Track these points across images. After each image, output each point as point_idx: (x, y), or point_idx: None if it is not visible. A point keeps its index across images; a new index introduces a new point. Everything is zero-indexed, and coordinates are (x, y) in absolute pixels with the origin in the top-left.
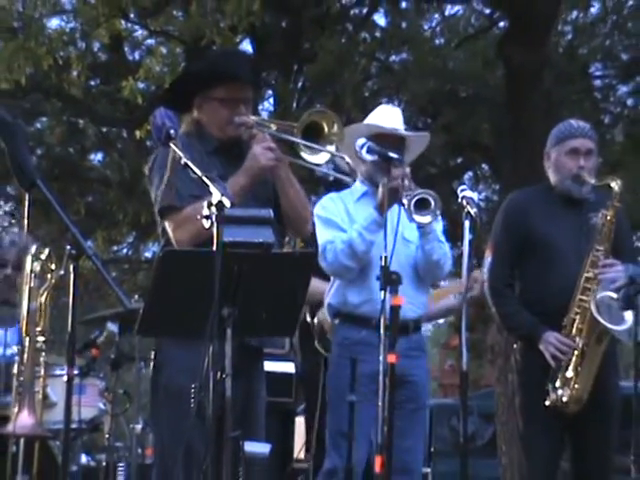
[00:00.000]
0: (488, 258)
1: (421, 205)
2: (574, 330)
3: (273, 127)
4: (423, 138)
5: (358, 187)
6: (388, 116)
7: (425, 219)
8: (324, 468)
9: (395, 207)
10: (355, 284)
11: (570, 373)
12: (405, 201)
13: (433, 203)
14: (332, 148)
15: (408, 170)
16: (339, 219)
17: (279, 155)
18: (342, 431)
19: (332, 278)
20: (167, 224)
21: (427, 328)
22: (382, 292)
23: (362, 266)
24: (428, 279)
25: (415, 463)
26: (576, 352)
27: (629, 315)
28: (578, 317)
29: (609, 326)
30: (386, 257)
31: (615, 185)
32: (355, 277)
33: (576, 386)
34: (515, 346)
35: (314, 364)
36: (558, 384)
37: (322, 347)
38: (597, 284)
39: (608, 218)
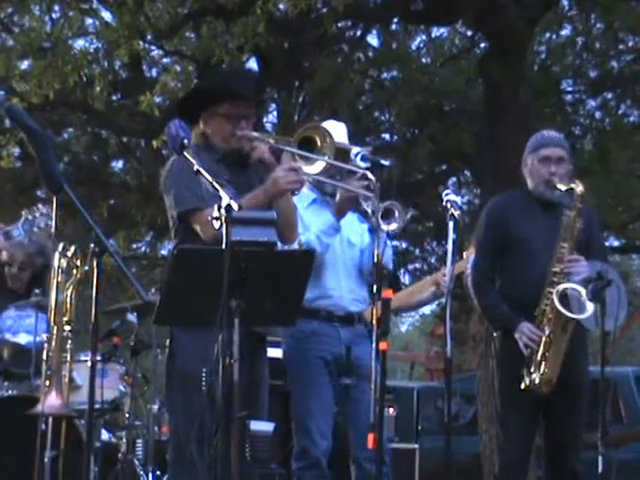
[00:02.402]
0: (471, 255)
1: (386, 214)
2: (544, 320)
3: (271, 141)
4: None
5: (306, 193)
6: (335, 130)
7: (392, 227)
8: (295, 451)
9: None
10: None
11: (540, 358)
12: (369, 210)
13: (397, 212)
14: (325, 158)
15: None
16: None
17: (301, 176)
18: (305, 415)
19: None
20: (194, 224)
21: (415, 319)
22: (373, 287)
23: (316, 266)
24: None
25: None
26: (544, 339)
27: (590, 304)
28: (547, 308)
29: (569, 315)
30: (378, 254)
31: (577, 188)
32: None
33: (545, 370)
34: (495, 335)
35: None
36: (532, 369)
37: None
38: (563, 278)
39: (571, 217)
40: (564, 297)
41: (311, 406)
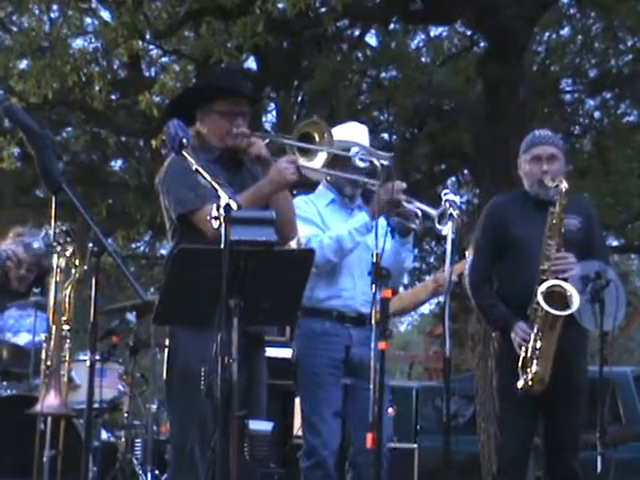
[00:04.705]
0: (470, 256)
1: (441, 218)
2: (536, 318)
3: (267, 140)
4: (389, 158)
5: (323, 192)
6: (357, 133)
7: (447, 228)
8: (303, 449)
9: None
10: (322, 281)
11: (530, 357)
12: (419, 212)
13: (451, 211)
14: (324, 154)
15: (404, 185)
16: (315, 218)
17: (298, 169)
18: (314, 414)
19: None
20: (198, 224)
21: (414, 318)
22: (373, 286)
23: (333, 266)
24: (391, 281)
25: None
26: (533, 337)
27: (577, 299)
28: (538, 306)
29: (553, 312)
30: (377, 254)
31: (561, 185)
32: (323, 273)
33: (537, 368)
34: (493, 335)
35: None
36: (526, 369)
37: None
38: (551, 275)
39: (556, 214)
40: (555, 294)
41: (321, 406)
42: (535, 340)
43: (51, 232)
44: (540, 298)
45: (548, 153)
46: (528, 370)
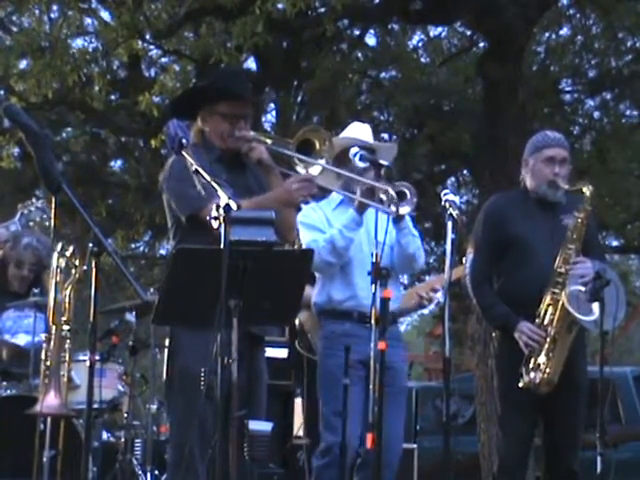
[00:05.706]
0: (470, 255)
1: (399, 197)
2: (546, 320)
3: (268, 141)
4: (391, 148)
5: (335, 197)
6: (360, 131)
7: (405, 209)
8: (320, 447)
9: (372, 213)
10: (338, 283)
11: (543, 359)
12: (383, 197)
13: (409, 194)
14: (323, 162)
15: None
16: (320, 225)
17: (314, 188)
18: (334, 413)
19: (317, 280)
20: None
21: (414, 318)
22: (373, 286)
23: (343, 263)
24: (404, 272)
25: (396, 440)
26: (548, 340)
27: (596, 307)
28: (550, 308)
29: (579, 317)
30: (377, 254)
31: (587, 190)
32: (337, 275)
33: (548, 370)
34: (494, 335)
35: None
36: (531, 368)
37: (301, 347)
38: (568, 279)
39: (580, 220)
40: (568, 298)
41: (340, 406)
42: (549, 342)
43: (26, 212)
44: (566, 301)
45: (562, 156)
46: (536, 371)
